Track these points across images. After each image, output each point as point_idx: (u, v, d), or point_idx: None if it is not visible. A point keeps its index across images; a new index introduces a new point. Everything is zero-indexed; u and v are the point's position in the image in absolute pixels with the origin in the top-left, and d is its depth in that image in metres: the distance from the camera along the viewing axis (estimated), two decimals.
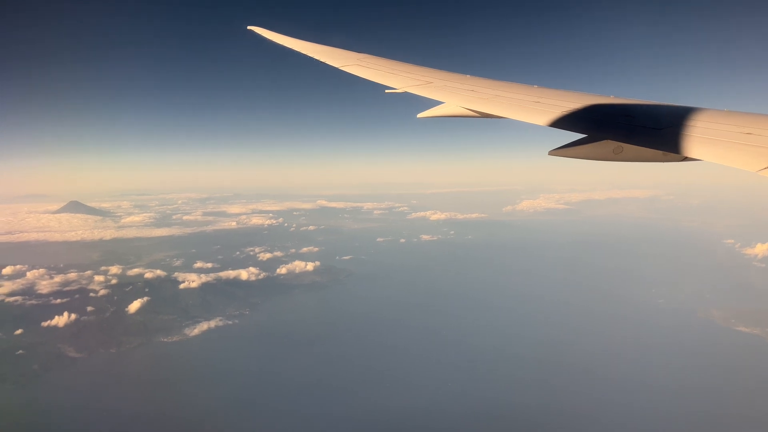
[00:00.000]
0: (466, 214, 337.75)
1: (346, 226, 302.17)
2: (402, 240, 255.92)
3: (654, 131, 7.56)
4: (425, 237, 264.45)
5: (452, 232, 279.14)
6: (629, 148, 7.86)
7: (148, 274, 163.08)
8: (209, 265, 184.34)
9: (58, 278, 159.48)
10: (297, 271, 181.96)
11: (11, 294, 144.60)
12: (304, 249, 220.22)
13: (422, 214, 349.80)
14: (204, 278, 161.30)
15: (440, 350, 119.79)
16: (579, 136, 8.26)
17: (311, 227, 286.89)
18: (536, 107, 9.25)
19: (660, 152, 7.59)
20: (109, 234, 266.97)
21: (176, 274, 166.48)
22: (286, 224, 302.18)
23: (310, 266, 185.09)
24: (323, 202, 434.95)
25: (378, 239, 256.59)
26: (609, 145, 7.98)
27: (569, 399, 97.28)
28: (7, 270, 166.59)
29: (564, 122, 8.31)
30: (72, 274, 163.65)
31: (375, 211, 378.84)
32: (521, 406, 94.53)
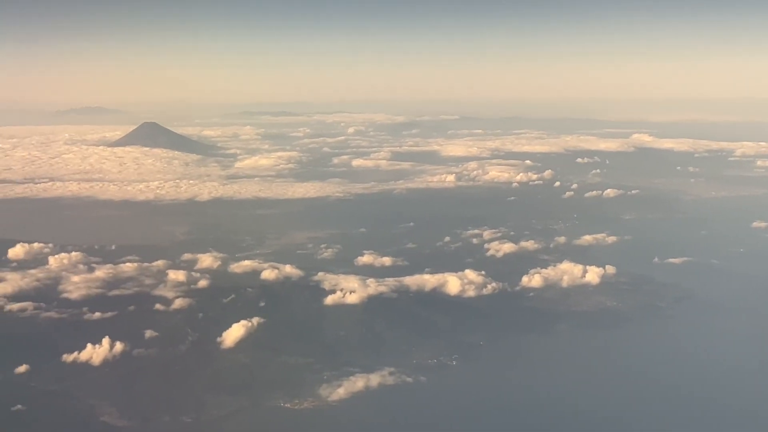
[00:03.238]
0: None
1: (688, 193, 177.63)
2: None
3: None
4: None
5: None
6: None
7: (269, 273, 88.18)
8: (386, 260, 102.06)
9: (100, 272, 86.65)
10: (565, 284, 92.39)
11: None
12: (587, 237, 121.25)
13: None
14: (373, 286, 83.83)
15: None
16: None
17: (609, 191, 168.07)
18: None
19: None
20: (205, 190, 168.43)
21: (321, 274, 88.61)
22: (557, 183, 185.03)
23: (594, 275, 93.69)
24: (644, 138, 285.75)
25: (754, 223, 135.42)
26: None
27: None
28: (18, 251, 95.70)
29: None
30: (127, 265, 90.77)
31: (758, 161, 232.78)
32: None
